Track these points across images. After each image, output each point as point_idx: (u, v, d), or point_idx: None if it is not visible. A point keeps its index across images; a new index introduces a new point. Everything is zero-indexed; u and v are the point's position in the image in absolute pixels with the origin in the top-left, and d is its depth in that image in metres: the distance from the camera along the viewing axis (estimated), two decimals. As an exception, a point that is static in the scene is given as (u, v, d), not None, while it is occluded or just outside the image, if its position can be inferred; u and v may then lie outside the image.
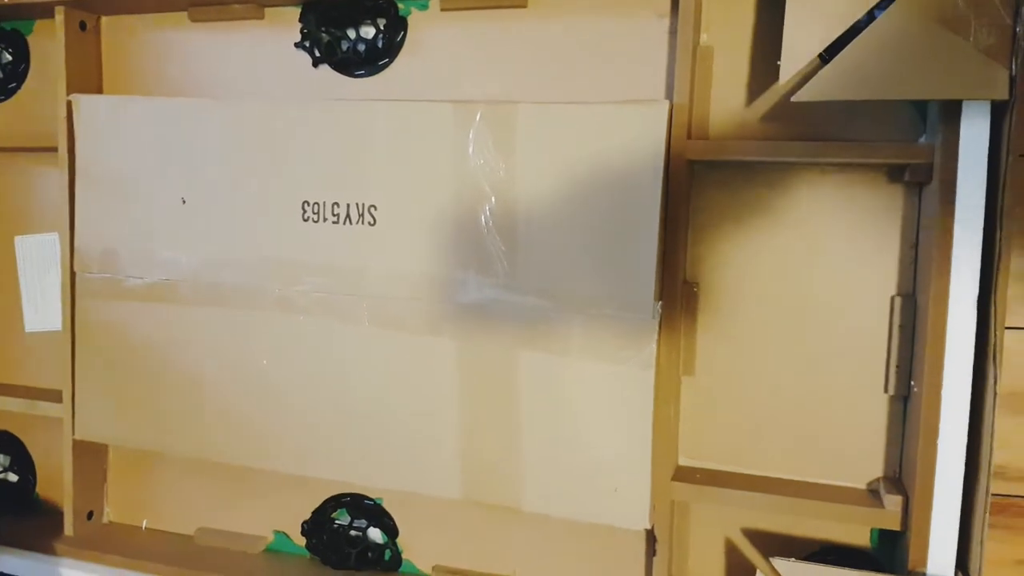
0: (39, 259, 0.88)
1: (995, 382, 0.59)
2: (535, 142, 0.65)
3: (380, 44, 0.73)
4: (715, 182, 0.67)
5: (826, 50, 0.60)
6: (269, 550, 0.83)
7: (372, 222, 0.70)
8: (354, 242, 0.70)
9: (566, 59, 0.69)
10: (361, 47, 0.74)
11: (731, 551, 0.71)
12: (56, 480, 0.87)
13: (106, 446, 0.87)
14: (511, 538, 0.76)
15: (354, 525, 0.79)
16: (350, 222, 0.71)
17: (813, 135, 0.65)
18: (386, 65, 0.74)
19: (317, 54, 0.75)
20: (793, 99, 0.59)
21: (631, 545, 0.72)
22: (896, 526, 0.63)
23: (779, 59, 0.60)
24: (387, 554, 0.79)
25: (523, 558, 0.76)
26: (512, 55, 0.71)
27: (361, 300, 0.71)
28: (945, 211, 0.59)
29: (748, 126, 0.66)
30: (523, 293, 0.66)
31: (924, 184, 0.62)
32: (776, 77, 0.60)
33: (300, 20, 0.76)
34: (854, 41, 0.58)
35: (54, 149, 0.80)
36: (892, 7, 0.57)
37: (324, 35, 0.74)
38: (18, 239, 0.88)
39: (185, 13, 0.79)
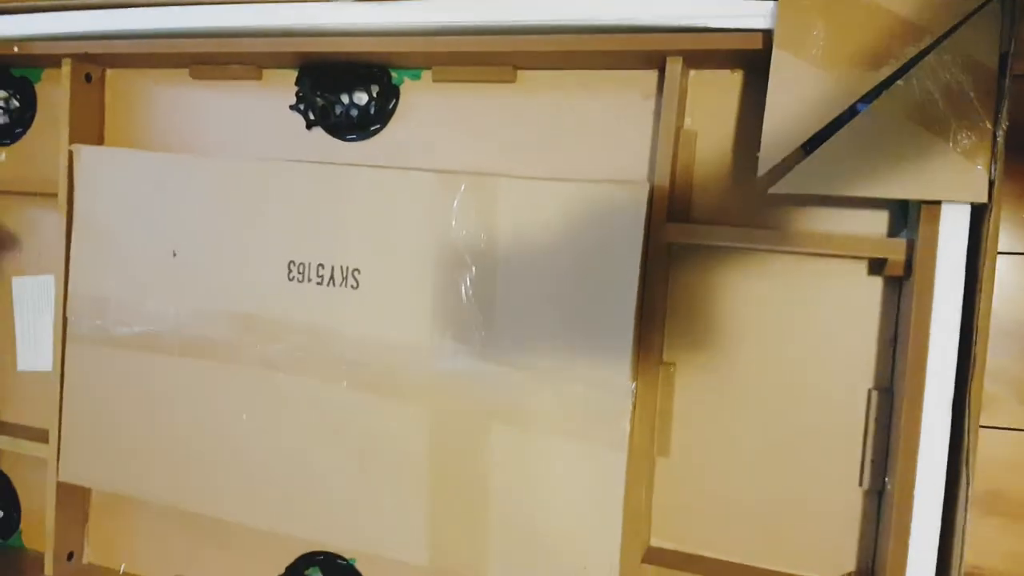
0: (35, 300, 0.89)
1: (968, 483, 0.58)
2: (516, 216, 0.66)
3: (372, 110, 0.75)
4: (694, 264, 0.67)
5: (808, 142, 0.60)
6: (242, 603, 0.83)
7: (355, 285, 0.71)
8: (337, 304, 0.71)
9: (552, 134, 0.70)
10: (354, 112, 0.75)
11: (700, 635, 0.70)
12: (39, 517, 0.87)
13: (89, 488, 0.88)
14: (480, 608, 0.75)
15: (326, 584, 0.79)
16: (334, 284, 0.71)
17: (794, 224, 0.65)
18: (377, 131, 0.75)
19: (311, 117, 0.77)
20: (770, 191, 0.59)
21: (599, 624, 0.71)
22: (865, 624, 0.62)
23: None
24: (357, 615, 0.79)
25: (492, 628, 0.75)
26: (499, 128, 0.72)
27: (341, 362, 0.71)
28: (922, 308, 0.58)
29: (729, 211, 0.66)
30: (498, 363, 0.67)
31: (903, 279, 0.62)
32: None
33: (296, 83, 0.77)
34: (834, 136, 0.58)
35: (55, 195, 0.82)
36: (874, 103, 0.57)
37: (319, 99, 0.75)
38: (15, 279, 0.90)
39: (187, 70, 0.81)
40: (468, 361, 0.67)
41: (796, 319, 0.65)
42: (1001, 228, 0.58)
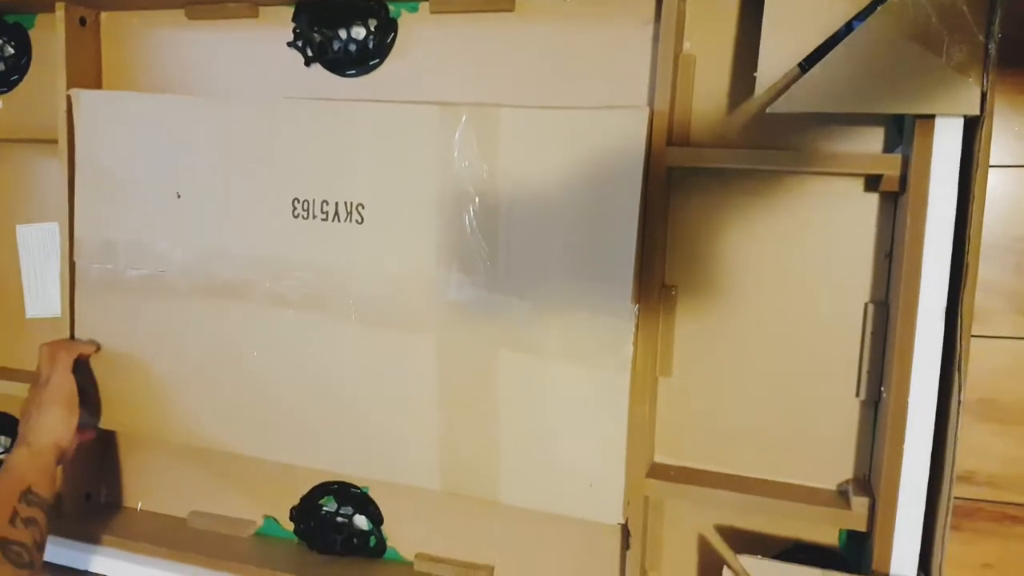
0: (40, 247, 0.90)
1: (960, 390, 0.60)
2: (518, 145, 0.67)
3: (371, 45, 0.75)
4: (694, 188, 0.69)
5: (805, 60, 0.61)
6: (258, 534, 0.86)
7: (360, 220, 0.72)
8: (342, 240, 0.72)
9: (551, 63, 0.71)
10: (352, 47, 0.75)
11: (704, 547, 0.73)
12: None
13: (103, 430, 0.89)
14: (491, 528, 0.78)
15: (340, 512, 0.82)
16: (339, 220, 0.72)
17: (791, 144, 0.66)
18: (376, 65, 0.75)
19: (309, 53, 0.77)
20: (768, 111, 0.60)
21: (606, 539, 0.74)
22: (862, 527, 0.64)
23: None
24: (372, 541, 0.82)
25: (503, 548, 0.78)
26: (499, 58, 0.72)
27: (348, 296, 0.72)
28: (916, 222, 0.60)
29: (728, 133, 0.67)
30: (504, 293, 0.68)
31: (899, 194, 0.63)
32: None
33: (293, 20, 0.77)
34: (829, 54, 0.59)
35: (55, 141, 0.82)
36: (869, 20, 0.58)
37: (316, 35, 0.76)
38: (19, 227, 0.91)
39: (182, 11, 0.81)
40: (474, 291, 0.69)
41: (794, 238, 0.67)
42: (994, 142, 0.59)
